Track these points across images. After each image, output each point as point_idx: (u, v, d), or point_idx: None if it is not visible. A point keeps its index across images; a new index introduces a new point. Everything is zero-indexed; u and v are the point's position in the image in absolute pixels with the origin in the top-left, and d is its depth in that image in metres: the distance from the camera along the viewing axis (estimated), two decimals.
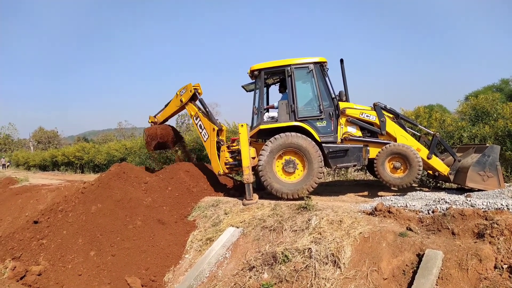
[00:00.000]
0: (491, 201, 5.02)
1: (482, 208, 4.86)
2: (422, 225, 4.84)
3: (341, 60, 7.28)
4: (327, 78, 7.27)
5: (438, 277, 3.85)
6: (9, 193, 12.64)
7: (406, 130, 7.23)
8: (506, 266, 3.73)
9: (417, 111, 9.69)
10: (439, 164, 6.92)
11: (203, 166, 9.10)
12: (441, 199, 5.59)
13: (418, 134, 7.64)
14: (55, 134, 50.43)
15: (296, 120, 6.99)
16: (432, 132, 7.19)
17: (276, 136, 6.94)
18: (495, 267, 3.78)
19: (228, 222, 6.40)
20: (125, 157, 17.80)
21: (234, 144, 7.85)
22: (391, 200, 6.13)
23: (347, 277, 4.37)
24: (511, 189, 5.82)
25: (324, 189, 8.36)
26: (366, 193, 7.69)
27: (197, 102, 8.57)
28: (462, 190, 6.71)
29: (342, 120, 7.15)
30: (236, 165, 7.73)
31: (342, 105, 7.14)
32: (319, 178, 6.82)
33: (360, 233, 4.80)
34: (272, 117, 7.36)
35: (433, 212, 5.05)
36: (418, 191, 6.93)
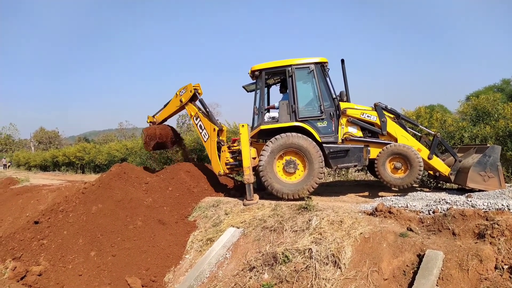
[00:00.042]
0: (492, 202, 5.01)
1: (483, 208, 4.85)
2: (423, 226, 4.83)
3: (342, 61, 7.29)
4: (328, 78, 7.26)
5: (439, 278, 3.85)
6: (10, 193, 12.67)
7: (407, 131, 7.22)
8: (506, 266, 3.72)
9: (418, 111, 9.67)
10: (440, 165, 6.91)
11: (204, 167, 9.10)
12: (442, 200, 5.59)
13: (419, 134, 7.63)
14: (56, 134, 50.52)
15: (297, 121, 6.98)
16: (433, 132, 7.18)
17: (277, 136, 6.94)
18: (496, 268, 3.77)
19: (228, 222, 6.40)
20: (126, 157, 17.81)
21: (235, 145, 7.85)
22: (392, 201, 6.13)
23: (348, 277, 4.37)
24: None
25: (325, 190, 8.35)
26: (366, 193, 7.69)
27: (197, 102, 8.56)
28: (463, 190, 6.70)
29: (343, 120, 7.14)
30: (236, 166, 7.73)
31: (343, 105, 7.14)
32: (319, 179, 6.82)
33: (361, 233, 4.80)
34: (273, 118, 7.36)
35: (433, 212, 5.05)
36: (419, 192, 6.92)
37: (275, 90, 8.74)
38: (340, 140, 7.05)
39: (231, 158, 7.80)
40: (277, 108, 7.41)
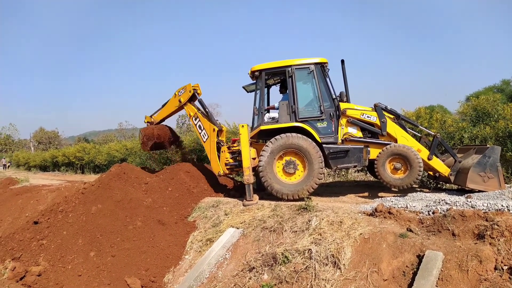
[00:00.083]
0: (492, 202, 5.01)
1: (483, 209, 4.85)
2: (423, 226, 4.83)
3: (342, 61, 7.29)
4: (327, 79, 7.26)
5: (438, 278, 3.85)
6: (10, 193, 12.64)
7: (406, 131, 7.22)
8: (506, 267, 3.72)
9: (418, 111, 9.68)
10: (439, 165, 6.91)
11: (203, 167, 9.09)
12: (442, 200, 5.59)
13: (419, 135, 7.63)
14: (55, 134, 50.51)
15: (296, 121, 6.98)
16: (433, 133, 7.18)
17: (277, 136, 6.94)
18: (495, 268, 3.77)
19: (228, 223, 6.40)
20: (125, 157, 17.80)
21: (235, 145, 7.84)
22: (392, 201, 6.12)
23: (347, 278, 4.36)
24: None
25: (325, 190, 8.35)
26: (366, 194, 7.69)
27: (196, 103, 8.54)
28: (462, 191, 6.69)
29: (343, 120, 7.14)
30: (236, 166, 7.73)
31: (342, 105, 7.14)
32: (319, 179, 6.82)
33: (360, 234, 4.79)
34: (273, 118, 7.36)
35: (433, 213, 5.04)
36: (419, 192, 6.92)
37: (275, 90, 8.75)
38: (340, 141, 7.05)
39: (230, 158, 7.79)
40: (277, 109, 7.41)
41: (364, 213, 5.56)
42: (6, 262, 5.35)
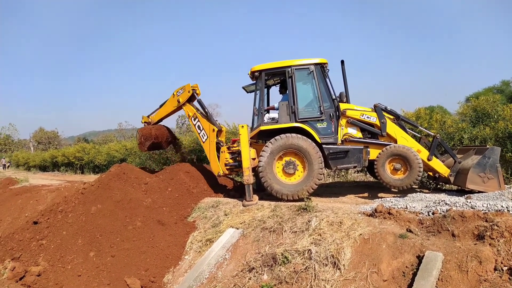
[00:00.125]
0: (491, 203, 5.01)
1: (482, 210, 4.85)
2: (422, 227, 4.83)
3: (342, 62, 7.30)
4: (327, 79, 7.27)
5: (438, 279, 3.85)
6: (9, 193, 12.63)
7: (406, 132, 7.23)
8: (506, 268, 3.72)
9: (418, 112, 9.69)
10: (439, 166, 6.91)
11: (203, 167, 9.08)
12: (441, 201, 5.59)
13: (419, 135, 7.64)
14: (55, 134, 50.45)
15: (296, 121, 6.98)
16: (433, 134, 7.19)
17: (277, 137, 6.94)
18: (495, 269, 3.77)
19: (228, 223, 6.39)
20: (125, 157, 17.79)
21: (235, 145, 7.84)
22: (391, 202, 6.12)
23: (347, 278, 4.36)
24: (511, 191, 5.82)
25: (324, 190, 8.35)
26: (366, 194, 7.69)
27: (195, 103, 8.53)
28: (462, 191, 6.70)
29: (343, 121, 7.14)
30: (236, 166, 7.72)
31: (342, 106, 7.15)
32: (319, 179, 6.82)
33: (360, 234, 4.79)
34: (273, 118, 7.36)
35: (433, 213, 5.04)
36: (418, 193, 6.92)
37: (275, 91, 8.75)
38: (339, 141, 7.06)
39: (230, 158, 7.79)
40: (277, 109, 7.42)
41: (364, 213, 5.55)
42: (5, 262, 5.34)
